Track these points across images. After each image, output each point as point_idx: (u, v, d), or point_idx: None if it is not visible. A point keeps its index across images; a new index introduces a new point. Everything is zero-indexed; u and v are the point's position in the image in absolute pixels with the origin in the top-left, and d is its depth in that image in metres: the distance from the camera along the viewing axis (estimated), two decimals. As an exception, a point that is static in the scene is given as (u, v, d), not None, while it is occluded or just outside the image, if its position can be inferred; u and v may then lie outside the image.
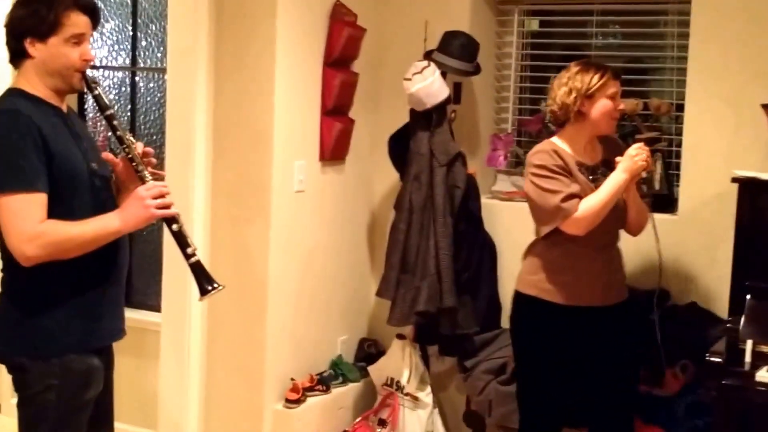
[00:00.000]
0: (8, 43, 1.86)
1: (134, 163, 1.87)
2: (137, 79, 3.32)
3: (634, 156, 2.24)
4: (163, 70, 3.10)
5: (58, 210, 1.77)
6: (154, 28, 3.27)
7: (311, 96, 2.88)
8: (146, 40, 3.30)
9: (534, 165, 2.29)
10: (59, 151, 1.79)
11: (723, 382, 2.14)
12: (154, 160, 1.94)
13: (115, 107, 3.19)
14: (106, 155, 1.94)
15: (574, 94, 2.28)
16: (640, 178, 2.29)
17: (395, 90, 2.96)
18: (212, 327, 2.88)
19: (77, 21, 1.83)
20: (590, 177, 2.31)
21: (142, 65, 3.31)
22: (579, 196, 2.24)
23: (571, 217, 2.22)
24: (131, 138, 1.90)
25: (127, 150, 1.87)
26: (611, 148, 2.38)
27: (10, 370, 1.85)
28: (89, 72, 1.91)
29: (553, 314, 2.29)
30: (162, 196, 1.85)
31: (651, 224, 2.42)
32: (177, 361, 2.84)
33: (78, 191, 1.83)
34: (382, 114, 3.15)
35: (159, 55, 3.26)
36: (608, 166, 2.32)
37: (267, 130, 2.75)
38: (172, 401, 2.87)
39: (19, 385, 1.84)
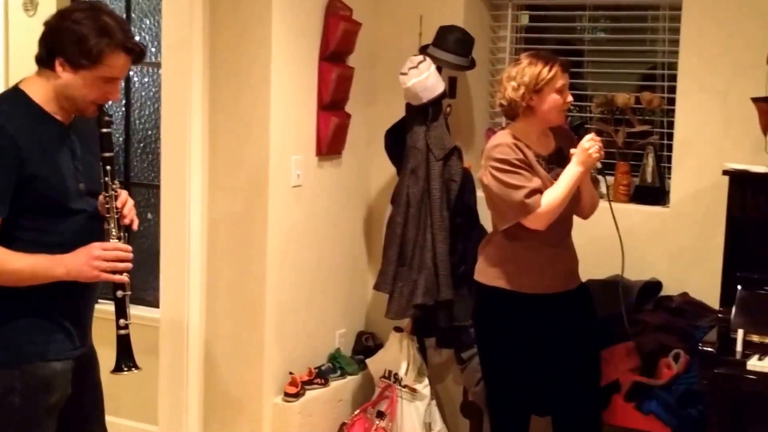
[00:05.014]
0: (41, 44, 1.77)
1: (107, 215, 1.81)
2: (131, 73, 3.31)
3: (588, 149, 2.24)
4: (158, 65, 3.09)
5: (31, 227, 1.75)
6: (148, 22, 3.26)
7: (307, 90, 2.89)
8: (140, 34, 3.28)
9: (495, 159, 2.28)
10: (40, 173, 1.73)
11: (715, 371, 2.19)
12: (133, 216, 1.85)
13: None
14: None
15: (522, 90, 2.29)
16: (593, 169, 2.32)
17: (391, 84, 2.98)
18: (211, 322, 2.89)
19: (117, 63, 1.75)
20: (548, 167, 2.33)
21: (136, 60, 3.30)
22: (540, 191, 2.26)
23: (534, 213, 2.23)
24: (117, 188, 1.82)
25: (107, 198, 1.81)
26: (562, 135, 2.40)
27: None
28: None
29: (515, 303, 2.33)
30: (119, 260, 1.78)
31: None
32: (176, 356, 2.85)
33: (53, 213, 1.78)
34: (378, 108, 3.16)
35: (153, 49, 3.25)
36: (561, 155, 2.34)
37: (263, 124, 2.75)
38: (171, 396, 2.88)
39: None
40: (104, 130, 1.82)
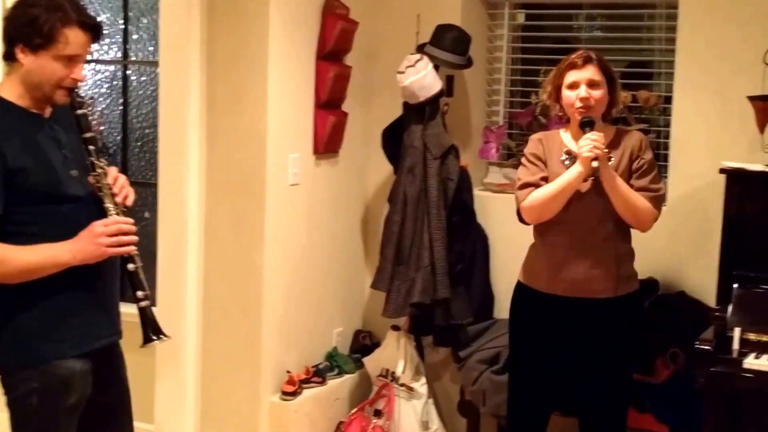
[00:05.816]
0: (3, 39, 1.79)
1: (101, 193, 1.81)
2: (129, 72, 3.31)
3: (581, 147, 2.18)
4: (155, 63, 3.09)
5: (30, 220, 1.76)
6: (145, 21, 3.26)
7: (305, 89, 2.89)
8: (138, 33, 3.28)
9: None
10: (26, 165, 1.73)
11: (711, 369, 2.19)
12: (127, 192, 1.85)
13: (102, 112, 3.15)
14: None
15: (549, 89, 2.32)
16: (592, 168, 2.13)
17: (388, 83, 2.98)
18: (208, 320, 2.89)
19: (74, 40, 1.74)
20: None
21: (133, 58, 3.30)
22: (536, 185, 2.26)
23: (521, 206, 2.27)
24: (104, 165, 1.82)
25: (96, 178, 1.81)
26: (629, 138, 2.28)
27: None
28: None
29: (529, 299, 2.33)
30: (122, 233, 1.78)
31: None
32: (172, 355, 2.85)
33: (49, 203, 1.77)
34: (375, 107, 3.17)
35: (151, 48, 3.25)
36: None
37: (261, 123, 2.75)
38: (168, 395, 2.88)
39: (4, 388, 1.84)
40: (78, 111, 1.80)
